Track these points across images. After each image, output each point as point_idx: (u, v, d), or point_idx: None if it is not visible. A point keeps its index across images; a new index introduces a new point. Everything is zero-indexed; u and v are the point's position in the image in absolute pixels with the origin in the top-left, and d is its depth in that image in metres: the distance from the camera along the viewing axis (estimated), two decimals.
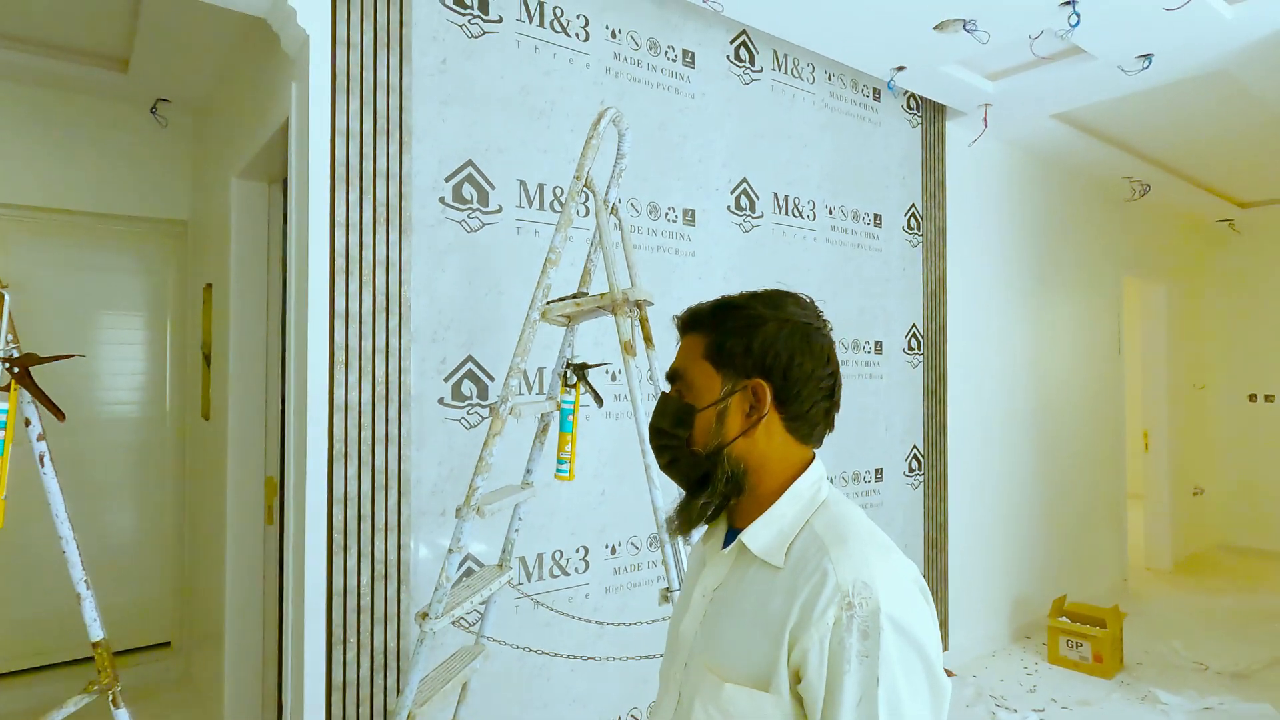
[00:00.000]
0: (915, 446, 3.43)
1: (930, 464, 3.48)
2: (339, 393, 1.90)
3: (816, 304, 0.92)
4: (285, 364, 2.01)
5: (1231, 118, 3.67)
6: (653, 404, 2.40)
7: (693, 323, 0.92)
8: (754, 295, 0.90)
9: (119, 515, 3.51)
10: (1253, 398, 5.92)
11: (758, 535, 0.85)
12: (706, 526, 0.96)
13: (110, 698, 1.17)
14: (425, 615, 1.47)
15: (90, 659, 1.25)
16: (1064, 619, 3.69)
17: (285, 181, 2.39)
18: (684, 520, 0.90)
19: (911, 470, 3.41)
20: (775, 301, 0.89)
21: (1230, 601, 4.69)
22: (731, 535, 0.90)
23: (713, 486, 0.87)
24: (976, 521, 3.77)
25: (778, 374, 0.85)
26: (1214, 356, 6.10)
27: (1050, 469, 4.30)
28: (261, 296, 2.70)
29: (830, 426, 0.91)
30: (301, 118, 1.93)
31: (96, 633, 1.17)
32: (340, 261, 1.91)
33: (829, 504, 0.86)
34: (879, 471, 3.28)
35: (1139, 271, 5.24)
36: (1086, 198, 4.68)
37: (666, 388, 0.95)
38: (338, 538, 1.89)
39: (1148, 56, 2.87)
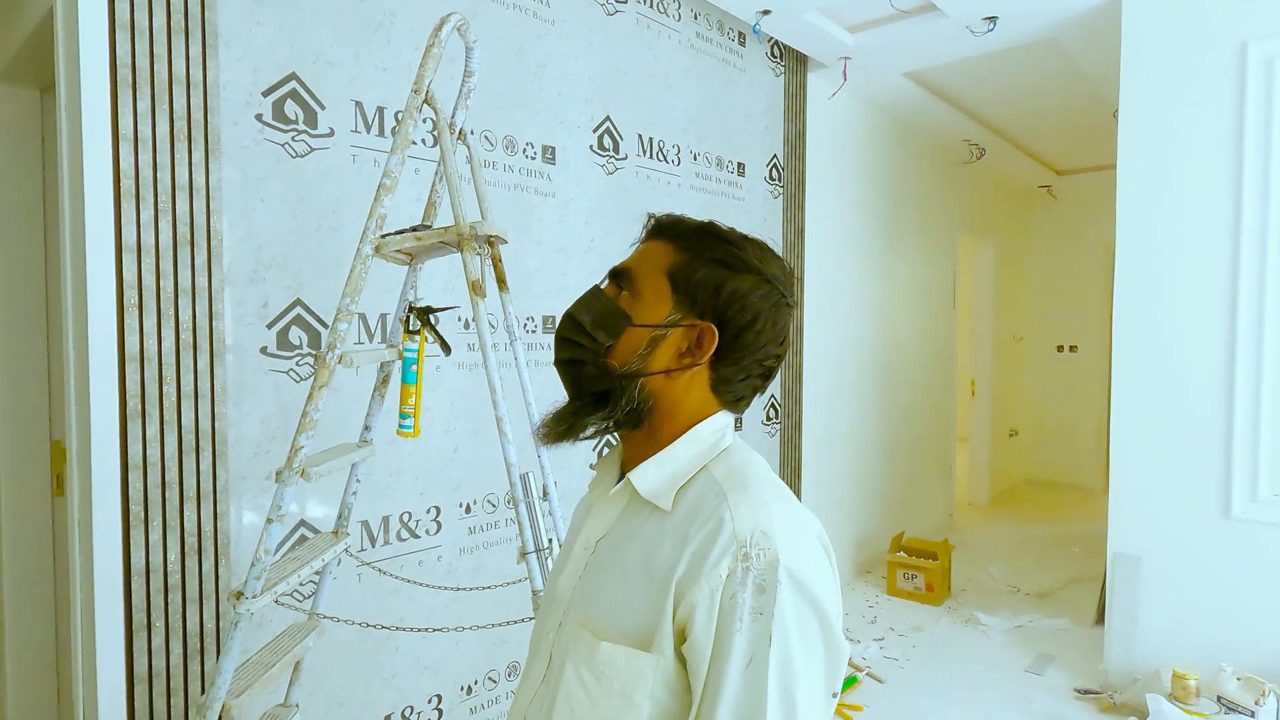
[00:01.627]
0: (773, 396, 3.51)
1: (786, 412, 3.58)
2: (132, 340, 1.61)
3: (793, 274, 0.82)
4: (62, 306, 1.68)
5: (1058, 87, 3.94)
6: (507, 352, 2.26)
7: (671, 230, 0.80)
8: (745, 237, 0.79)
9: None
10: (1060, 348, 6.60)
11: (647, 475, 0.75)
12: (595, 472, 0.86)
13: None
14: (240, 595, 1.27)
15: None
16: (901, 554, 3.97)
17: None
18: (562, 429, 0.79)
19: (769, 419, 3.48)
20: (764, 255, 0.79)
21: (1036, 530, 5.26)
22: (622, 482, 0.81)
23: (610, 408, 0.76)
24: (828, 466, 3.94)
25: (731, 330, 0.76)
26: (1030, 310, 6.73)
27: (892, 415, 4.57)
28: (36, 227, 2.26)
29: (749, 404, 0.82)
30: (70, 6, 1.58)
31: None
32: (128, 184, 1.60)
33: (731, 451, 0.77)
34: (738, 421, 3.32)
35: (971, 231, 5.62)
36: (930, 158, 4.93)
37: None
38: (136, 509, 1.63)
39: (994, 19, 2.98)
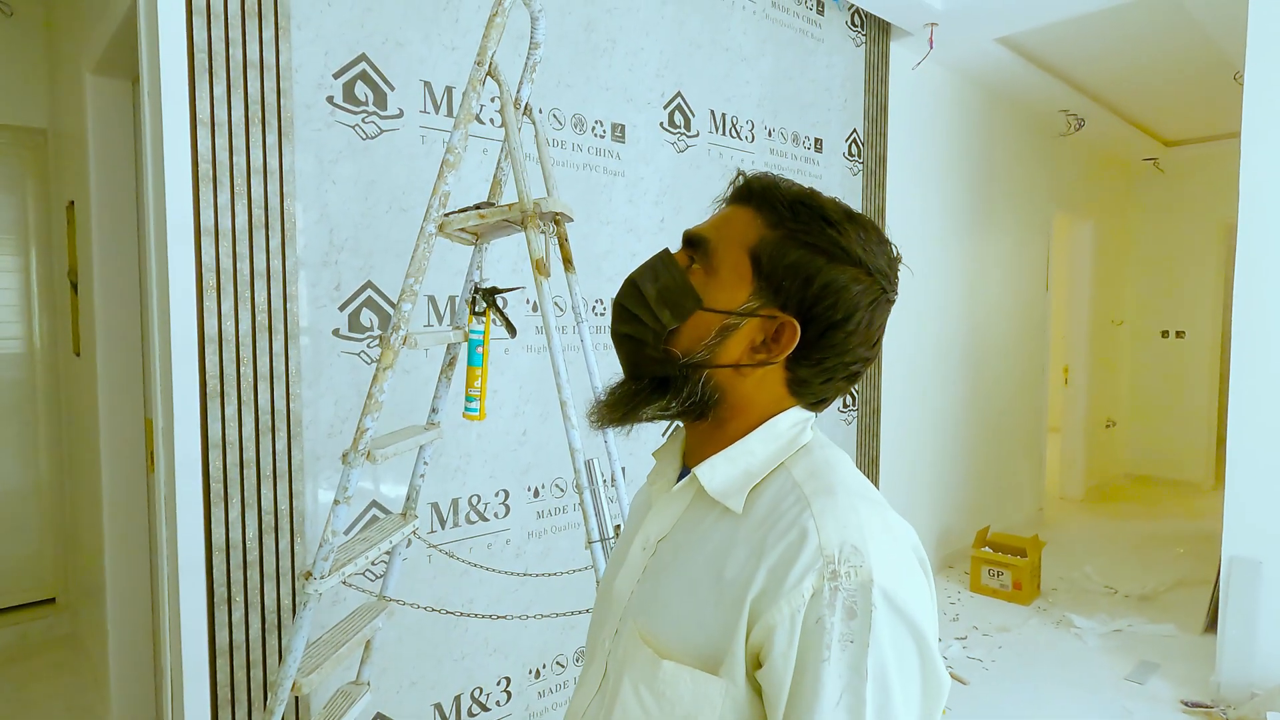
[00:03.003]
0: None
1: (864, 399, 3.43)
2: (211, 322, 1.65)
3: (899, 263, 0.70)
4: (147, 290, 1.74)
5: (1171, 47, 3.61)
6: (573, 335, 2.22)
7: (760, 197, 0.68)
8: (850, 216, 0.67)
9: None
10: (1165, 334, 6.14)
11: (716, 471, 0.66)
12: (656, 462, 0.77)
13: None
14: (309, 575, 1.28)
15: None
16: (986, 549, 3.77)
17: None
18: (615, 415, 0.70)
19: (846, 406, 3.35)
20: (869, 240, 0.66)
21: (1136, 528, 4.92)
22: (686, 476, 0.72)
23: (669, 398, 0.68)
24: (907, 456, 3.77)
25: (818, 327, 0.65)
26: (1131, 294, 6.28)
27: (978, 403, 4.34)
28: (129, 214, 2.36)
29: (829, 405, 0.72)
30: None
31: None
32: (206, 168, 1.63)
33: (812, 447, 0.67)
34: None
35: (1068, 208, 5.26)
36: (1023, 131, 4.62)
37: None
38: (216, 486, 1.67)
39: None
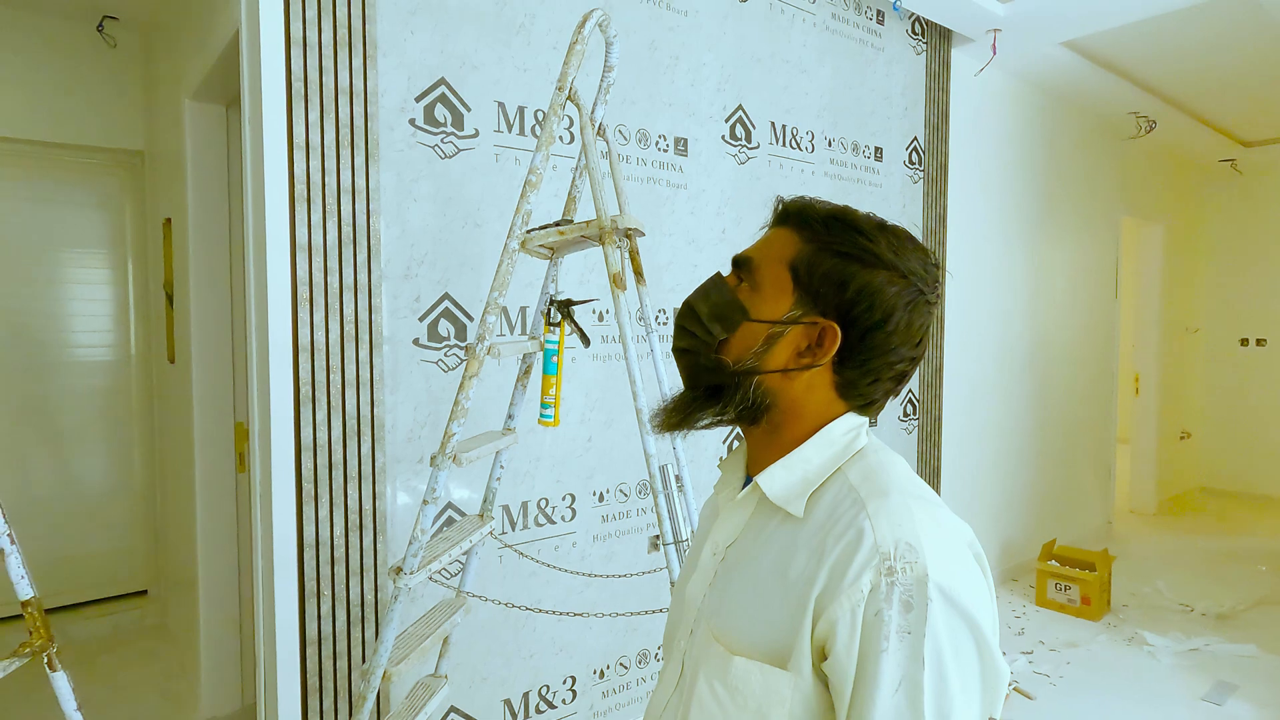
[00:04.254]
0: (911, 391, 3.35)
1: (925, 408, 3.40)
2: (304, 333, 1.76)
3: (938, 268, 0.74)
4: (246, 302, 1.86)
5: (1247, 46, 3.49)
6: (644, 344, 2.28)
7: (796, 217, 0.75)
8: (882, 226, 0.72)
9: (90, 462, 3.38)
10: (1244, 342, 5.88)
11: (775, 478, 0.71)
12: (720, 472, 0.84)
13: (46, 660, 1.06)
14: (399, 570, 1.36)
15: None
16: (1053, 562, 3.68)
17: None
18: (675, 420, 0.76)
19: (906, 415, 3.33)
20: (901, 245, 0.71)
21: (1213, 544, 4.73)
22: (749, 484, 0.77)
23: (723, 404, 0.73)
24: (969, 465, 3.72)
25: (858, 330, 0.70)
26: (1207, 299, 6.04)
27: (1042, 412, 4.24)
28: (223, 230, 2.52)
29: (880, 408, 0.76)
30: (252, 26, 1.74)
31: (25, 590, 1.06)
32: (300, 188, 1.74)
33: (866, 452, 0.72)
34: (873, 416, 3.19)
35: (1137, 212, 5.11)
36: (1089, 134, 4.52)
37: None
38: (307, 486, 1.78)
39: None
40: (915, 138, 3.28)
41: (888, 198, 3.18)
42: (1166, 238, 5.41)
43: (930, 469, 3.44)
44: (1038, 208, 4.09)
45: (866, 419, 0.75)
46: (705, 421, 0.75)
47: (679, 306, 0.78)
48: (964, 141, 3.54)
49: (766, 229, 0.78)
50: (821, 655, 0.63)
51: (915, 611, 0.60)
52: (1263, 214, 5.76)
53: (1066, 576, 3.58)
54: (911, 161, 3.27)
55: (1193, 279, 5.88)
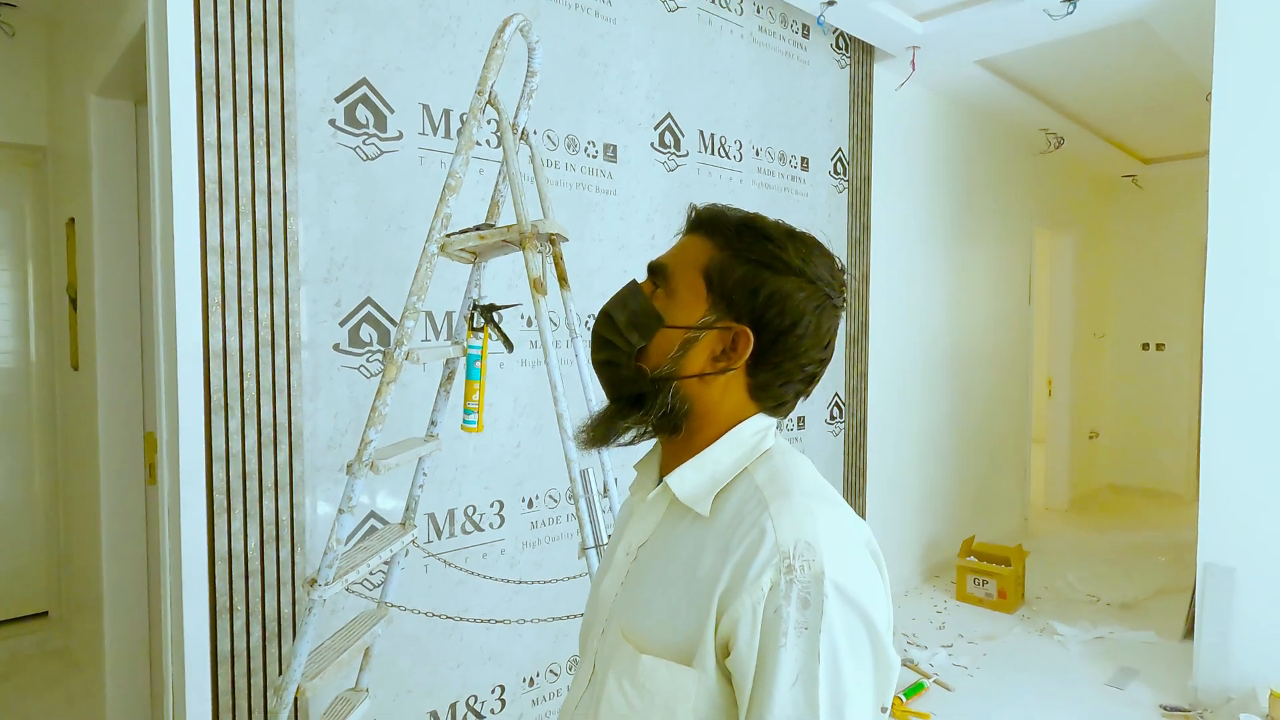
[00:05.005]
0: (837, 394, 3.44)
1: (851, 411, 3.50)
2: (215, 337, 1.70)
3: (845, 275, 0.77)
4: (154, 306, 1.78)
5: (1144, 70, 3.73)
6: (568, 350, 2.28)
7: (709, 225, 0.76)
8: (791, 234, 0.74)
9: None
10: (1145, 346, 6.26)
11: (685, 479, 0.73)
12: (637, 474, 0.85)
13: None
14: (314, 582, 1.33)
15: None
16: (972, 558, 3.84)
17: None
18: (598, 434, 0.77)
19: (833, 418, 3.42)
20: (809, 253, 0.73)
21: (1119, 537, 5.00)
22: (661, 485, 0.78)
23: (644, 412, 0.74)
24: (893, 467, 3.84)
25: (770, 334, 0.72)
26: (1113, 306, 6.40)
27: (963, 415, 4.42)
28: (131, 231, 2.41)
29: (791, 409, 0.79)
30: (160, 21, 1.67)
31: None
32: (212, 189, 1.68)
33: (773, 454, 0.74)
34: (800, 420, 3.27)
35: (1049, 223, 5.38)
36: (1004, 149, 4.74)
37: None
38: (219, 497, 1.71)
39: (1074, 1, 2.84)
40: (840, 148, 3.38)
41: (814, 206, 3.27)
42: (1076, 248, 5.72)
43: (856, 470, 3.54)
44: (957, 217, 4.27)
45: (775, 420, 0.77)
46: (630, 434, 0.76)
47: (596, 315, 0.79)
48: (887, 153, 3.66)
49: (681, 236, 0.79)
50: (725, 652, 0.65)
51: (812, 608, 0.62)
52: (1162, 227, 6.15)
53: (984, 571, 3.73)
54: (837, 171, 3.37)
55: (1100, 287, 6.23)
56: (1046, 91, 4.14)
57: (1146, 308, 6.24)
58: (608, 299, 0.79)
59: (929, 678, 2.95)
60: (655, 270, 0.78)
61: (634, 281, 0.78)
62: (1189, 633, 3.25)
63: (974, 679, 2.99)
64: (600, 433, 0.77)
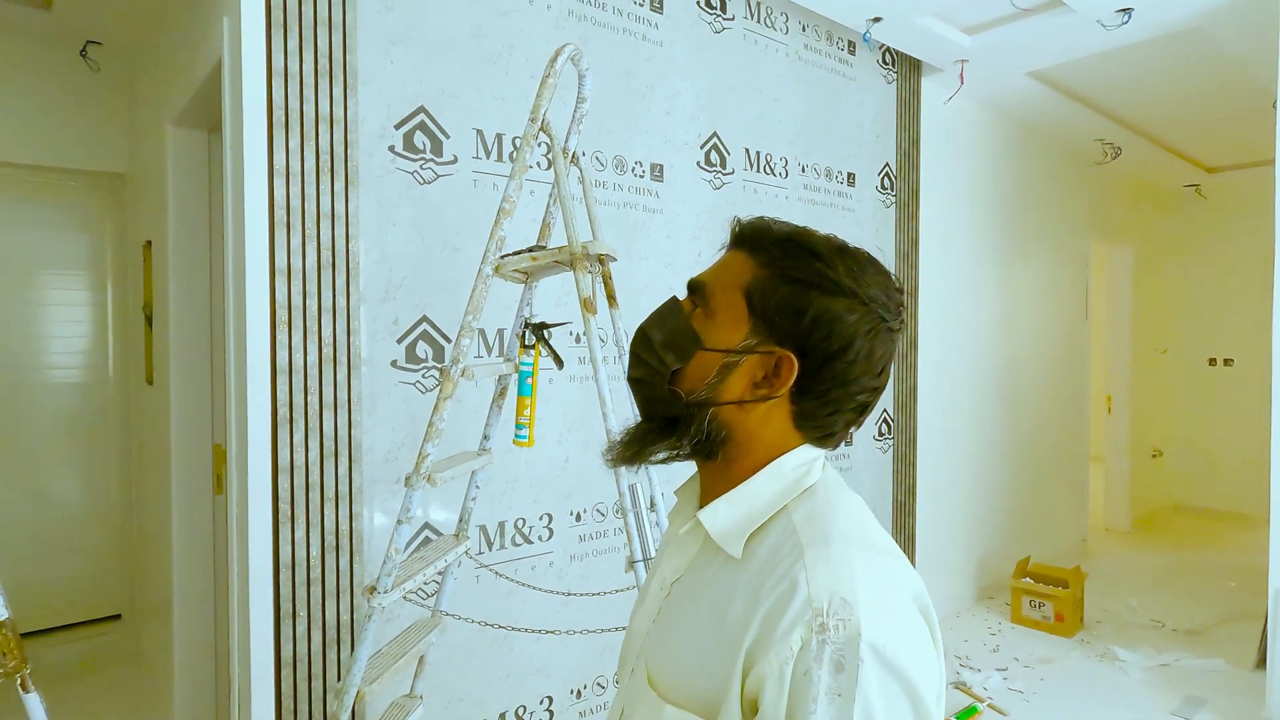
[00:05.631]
0: (885, 410, 3.40)
1: (900, 428, 3.46)
2: (282, 355, 1.78)
3: (902, 294, 0.71)
4: (225, 324, 1.89)
5: (1205, 78, 3.63)
6: (616, 366, 2.32)
7: (752, 240, 0.71)
8: (842, 249, 0.68)
9: (64, 485, 3.35)
10: (1212, 361, 6.02)
11: (718, 515, 0.68)
12: (677, 500, 0.81)
13: (18, 681, 1.07)
14: (373, 590, 1.38)
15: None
16: (1027, 579, 3.74)
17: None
18: (629, 453, 0.73)
19: (881, 435, 3.39)
20: (861, 270, 0.67)
21: (1185, 560, 4.81)
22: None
23: (678, 437, 0.70)
24: (943, 484, 3.78)
25: (816, 359, 0.66)
26: (1176, 320, 6.18)
27: (1016, 432, 4.32)
28: (203, 253, 2.54)
29: (840, 440, 0.72)
30: (235, 56, 1.78)
31: (0, 612, 1.07)
32: (280, 214, 1.78)
33: (817, 490, 0.68)
34: (850, 437, 3.24)
35: (1105, 235, 5.24)
36: (1057, 160, 4.65)
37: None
38: (284, 507, 1.79)
39: (1128, 10, 2.80)
40: (887, 164, 3.37)
41: (861, 222, 3.26)
42: (1135, 260, 5.55)
43: (905, 488, 3.49)
44: (1008, 231, 4.20)
45: (822, 451, 0.71)
46: (660, 456, 0.72)
47: (634, 332, 0.76)
48: (936, 167, 3.63)
49: (723, 251, 0.75)
50: (753, 709, 0.60)
51: (846, 673, 0.56)
52: (1227, 237, 5.93)
53: (1040, 593, 3.63)
54: (884, 187, 3.36)
55: (1161, 301, 6.03)
56: (1101, 101, 4.05)
57: (1213, 321, 6.01)
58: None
59: (983, 701, 2.88)
60: (694, 288, 0.74)
61: (674, 298, 0.75)
62: (1261, 661, 3.11)
63: (1030, 704, 2.91)
64: (630, 453, 0.73)
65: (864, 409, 0.70)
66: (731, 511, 0.68)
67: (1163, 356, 6.06)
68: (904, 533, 3.49)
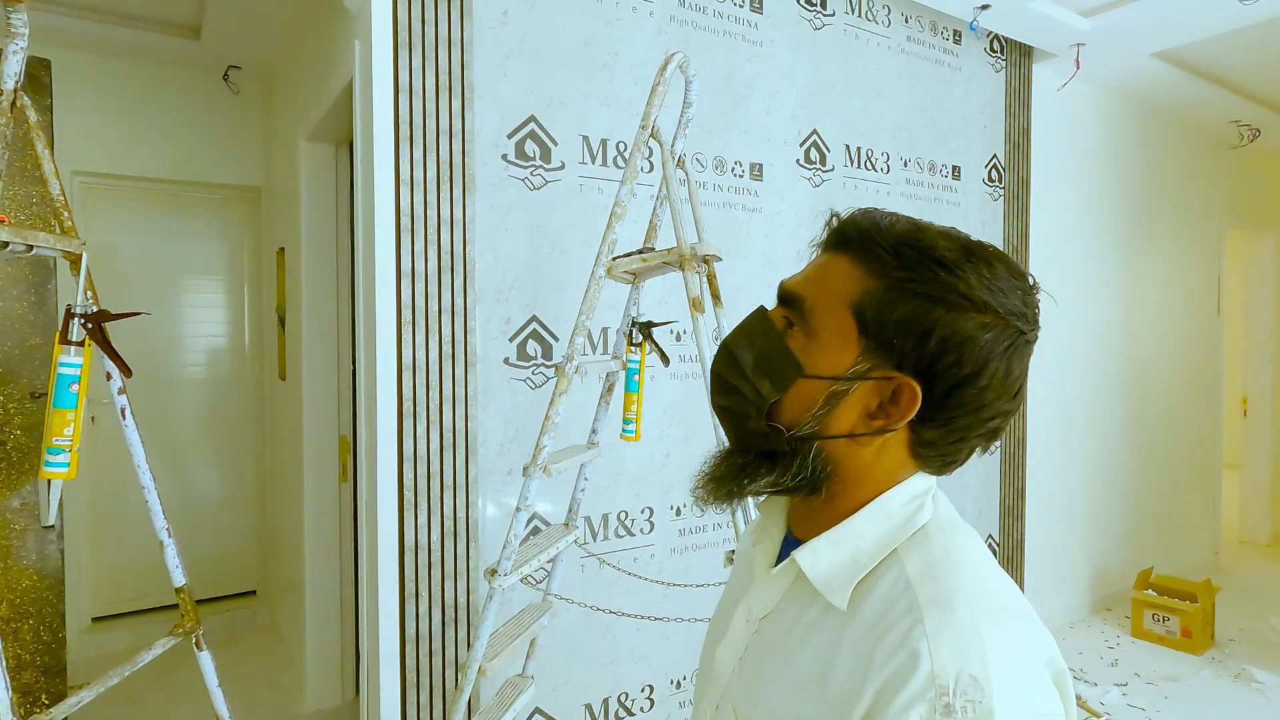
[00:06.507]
0: None
1: (1009, 429, 3.33)
2: (407, 352, 1.92)
3: (1037, 294, 0.60)
4: (355, 325, 2.04)
5: None
6: None
7: (859, 243, 0.60)
8: (969, 251, 0.58)
9: (205, 472, 3.69)
10: None
11: (819, 556, 0.60)
12: (757, 517, 0.73)
13: (194, 640, 1.22)
14: (494, 571, 1.47)
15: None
16: (1150, 591, 3.52)
17: (351, 143, 2.39)
18: (721, 491, 0.64)
19: None
20: (994, 276, 0.57)
21: None
22: (789, 546, 0.65)
23: (778, 475, 0.61)
24: (1057, 489, 3.60)
25: (943, 385, 0.57)
26: None
27: (1139, 435, 4.07)
28: (331, 259, 2.75)
29: (961, 465, 0.64)
30: (365, 76, 1.92)
31: (179, 578, 1.22)
32: (406, 221, 1.91)
33: (931, 532, 0.59)
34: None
35: (1243, 225, 4.85)
36: (1186, 145, 4.34)
37: None
38: (408, 495, 1.92)
39: None
40: (995, 155, 3.25)
41: (966, 215, 3.16)
42: (1277, 250, 5.10)
43: (1014, 491, 3.36)
44: (1131, 222, 3.96)
45: (934, 481, 0.63)
46: (762, 496, 0.65)
47: (715, 351, 0.67)
48: (1048, 156, 3.47)
49: (819, 252, 0.65)
50: None
51: None
52: None
53: (1165, 607, 3.41)
54: (991, 179, 3.24)
55: None
56: (1237, 80, 3.76)
57: None
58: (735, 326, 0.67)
59: (1099, 717, 2.75)
60: (789, 300, 0.63)
61: (762, 310, 0.65)
62: None
63: None
64: (724, 490, 0.64)
65: (995, 434, 0.61)
66: (834, 553, 0.60)
67: None
68: (1011, 538, 3.36)
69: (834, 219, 0.63)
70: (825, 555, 0.60)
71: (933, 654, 0.51)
